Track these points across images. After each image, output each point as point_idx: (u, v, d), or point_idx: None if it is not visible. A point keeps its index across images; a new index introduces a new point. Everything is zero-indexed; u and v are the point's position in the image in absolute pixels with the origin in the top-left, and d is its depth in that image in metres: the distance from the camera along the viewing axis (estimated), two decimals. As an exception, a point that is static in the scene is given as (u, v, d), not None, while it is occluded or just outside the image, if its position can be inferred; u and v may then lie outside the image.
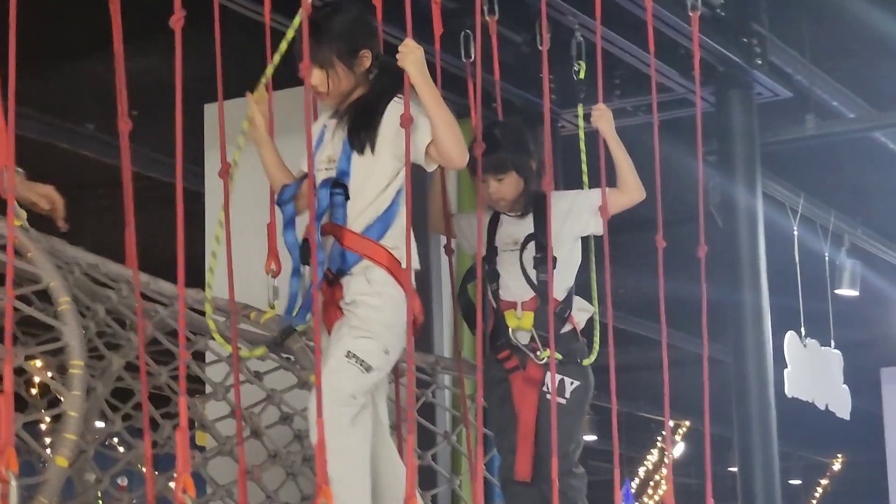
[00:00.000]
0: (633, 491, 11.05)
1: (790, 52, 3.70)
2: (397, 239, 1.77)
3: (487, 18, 2.14)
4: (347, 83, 1.77)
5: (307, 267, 1.77)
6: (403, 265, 1.76)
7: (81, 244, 1.68)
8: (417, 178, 2.43)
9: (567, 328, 2.21)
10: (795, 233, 4.62)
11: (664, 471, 11.84)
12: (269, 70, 1.80)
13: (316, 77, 1.70)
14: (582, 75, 2.28)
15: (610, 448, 2.33)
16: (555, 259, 2.13)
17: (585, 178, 2.32)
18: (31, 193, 1.91)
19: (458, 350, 2.48)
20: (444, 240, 2.35)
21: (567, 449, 2.17)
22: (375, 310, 1.76)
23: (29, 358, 1.92)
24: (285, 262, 1.81)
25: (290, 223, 1.78)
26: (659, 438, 11.41)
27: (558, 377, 2.07)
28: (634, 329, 6.39)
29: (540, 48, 2.13)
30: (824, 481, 13.73)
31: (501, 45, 2.68)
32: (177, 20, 1.53)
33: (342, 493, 1.67)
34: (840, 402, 4.95)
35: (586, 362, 2.21)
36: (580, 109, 2.36)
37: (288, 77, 1.84)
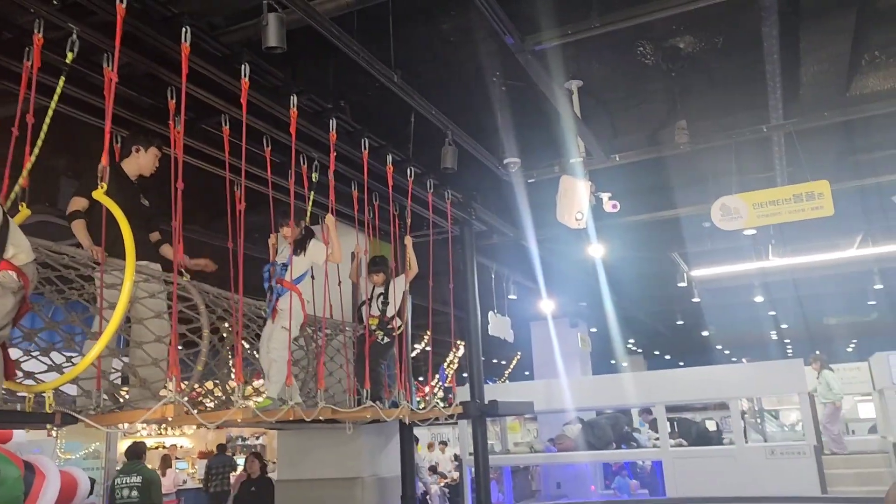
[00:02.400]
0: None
1: (485, 210, 8.28)
2: (304, 286, 4.94)
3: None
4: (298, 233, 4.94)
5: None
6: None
7: None
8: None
9: (391, 326, 5.78)
10: (498, 283, 10.17)
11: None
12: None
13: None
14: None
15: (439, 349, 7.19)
16: (388, 301, 5.79)
17: (406, 266, 7.13)
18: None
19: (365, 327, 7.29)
20: (361, 296, 7.09)
21: (383, 358, 5.94)
22: (285, 311, 4.49)
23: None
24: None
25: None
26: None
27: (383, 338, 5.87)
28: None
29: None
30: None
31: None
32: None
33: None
34: (507, 334, 10.50)
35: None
36: (405, 240, 7.09)
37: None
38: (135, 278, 3.92)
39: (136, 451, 8.14)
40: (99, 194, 2.97)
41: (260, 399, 4.64)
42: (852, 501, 7.50)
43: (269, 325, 4.59)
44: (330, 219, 4.90)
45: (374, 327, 5.69)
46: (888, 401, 9.66)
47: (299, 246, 4.73)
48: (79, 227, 3.85)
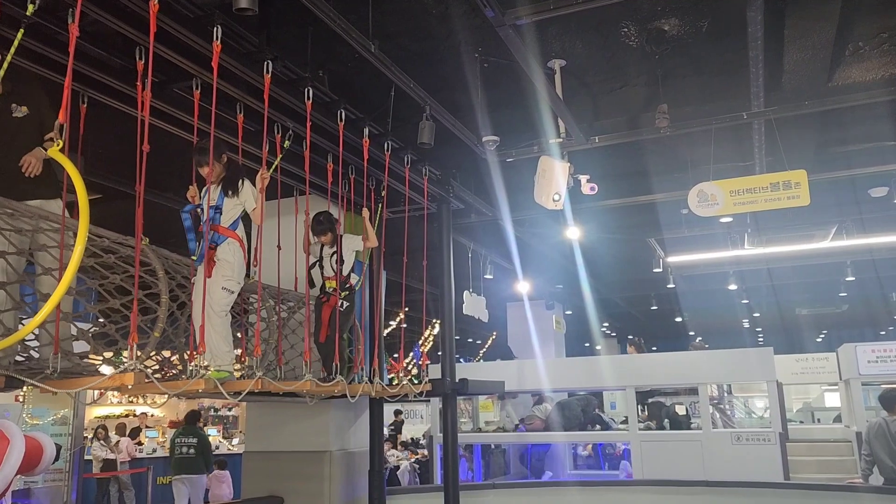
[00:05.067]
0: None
1: (464, 189, 8.04)
2: (240, 231, 4.20)
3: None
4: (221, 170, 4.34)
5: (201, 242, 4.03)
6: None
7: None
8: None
9: (348, 285, 5.48)
10: (475, 262, 10.12)
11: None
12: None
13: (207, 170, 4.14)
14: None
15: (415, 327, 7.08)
16: (343, 260, 5.37)
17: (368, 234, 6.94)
18: None
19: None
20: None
21: (345, 330, 5.42)
22: (230, 264, 4.09)
23: None
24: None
25: (188, 223, 4.19)
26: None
27: (343, 303, 5.38)
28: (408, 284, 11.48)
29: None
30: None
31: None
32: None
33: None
34: (482, 313, 10.51)
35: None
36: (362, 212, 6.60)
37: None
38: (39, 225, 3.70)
39: (194, 417, 10.50)
40: (55, 152, 2.85)
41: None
42: (812, 488, 7.61)
43: (202, 279, 4.12)
44: (262, 176, 4.36)
45: (330, 290, 5.36)
46: (853, 391, 9.81)
47: (230, 185, 4.21)
48: None
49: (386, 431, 14.85)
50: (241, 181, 4.23)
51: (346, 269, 5.45)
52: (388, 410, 15.48)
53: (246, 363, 4.74)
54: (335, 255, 5.39)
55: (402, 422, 15.41)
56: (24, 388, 6.05)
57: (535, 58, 5.22)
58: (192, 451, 9.90)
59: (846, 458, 9.51)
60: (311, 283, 5.46)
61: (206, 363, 3.74)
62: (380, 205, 6.26)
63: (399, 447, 14.00)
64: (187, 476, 9.89)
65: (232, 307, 4.72)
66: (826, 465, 9.46)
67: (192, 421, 10.44)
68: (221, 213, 4.12)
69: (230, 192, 4.18)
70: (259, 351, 4.15)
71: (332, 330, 5.10)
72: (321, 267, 5.43)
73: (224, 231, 4.10)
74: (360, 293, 6.95)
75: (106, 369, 3.65)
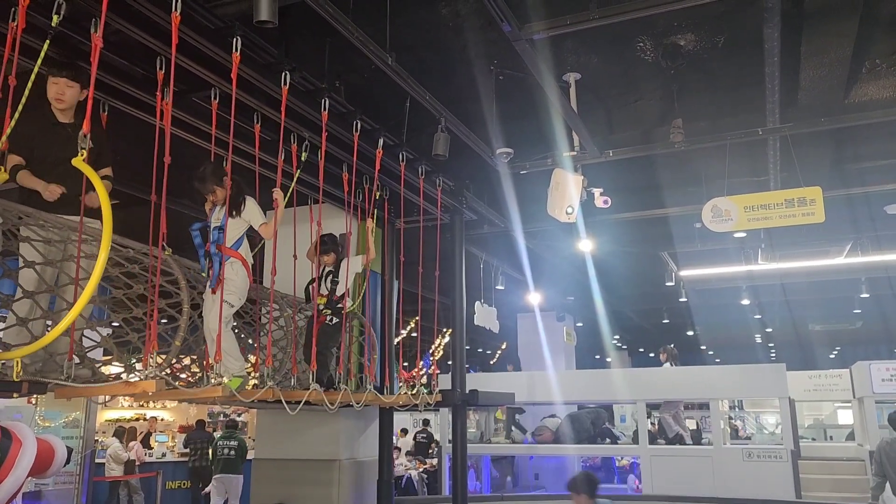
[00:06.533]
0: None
1: (477, 200, 8.21)
2: (244, 250, 4.26)
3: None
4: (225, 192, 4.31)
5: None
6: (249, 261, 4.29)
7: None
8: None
9: (339, 305, 5.39)
10: (487, 273, 10.15)
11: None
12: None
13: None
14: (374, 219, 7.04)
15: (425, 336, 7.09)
16: (338, 281, 5.40)
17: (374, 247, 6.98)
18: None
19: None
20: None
21: (332, 345, 5.35)
22: (232, 281, 4.10)
23: None
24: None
25: (198, 240, 4.24)
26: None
27: (335, 319, 5.40)
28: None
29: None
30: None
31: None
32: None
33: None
34: (493, 324, 10.53)
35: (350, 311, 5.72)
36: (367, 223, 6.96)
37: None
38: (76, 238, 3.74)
39: (234, 423, 12.41)
40: (78, 161, 2.89)
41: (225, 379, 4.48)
42: (825, 507, 7.54)
43: (210, 295, 4.14)
44: (278, 192, 4.40)
45: (322, 307, 5.40)
46: (867, 409, 9.71)
47: (233, 206, 4.25)
48: (24, 177, 3.66)
49: (415, 440, 14.83)
50: (242, 200, 4.28)
51: (339, 290, 5.49)
52: (413, 419, 15.48)
53: (257, 373, 4.77)
54: (331, 275, 5.49)
55: (431, 434, 15.28)
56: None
57: (550, 71, 5.24)
58: (232, 452, 11.04)
59: (860, 477, 9.41)
60: (307, 299, 5.57)
61: (220, 372, 3.78)
62: (394, 216, 6.27)
63: (406, 456, 13.97)
64: (228, 475, 10.95)
65: (248, 316, 4.73)
66: (839, 483, 9.36)
67: (233, 426, 12.02)
68: (225, 234, 4.16)
69: (234, 213, 4.24)
70: (270, 361, 4.18)
71: (320, 345, 5.09)
72: (318, 284, 5.50)
73: (227, 251, 4.14)
74: (372, 302, 7.00)
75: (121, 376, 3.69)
